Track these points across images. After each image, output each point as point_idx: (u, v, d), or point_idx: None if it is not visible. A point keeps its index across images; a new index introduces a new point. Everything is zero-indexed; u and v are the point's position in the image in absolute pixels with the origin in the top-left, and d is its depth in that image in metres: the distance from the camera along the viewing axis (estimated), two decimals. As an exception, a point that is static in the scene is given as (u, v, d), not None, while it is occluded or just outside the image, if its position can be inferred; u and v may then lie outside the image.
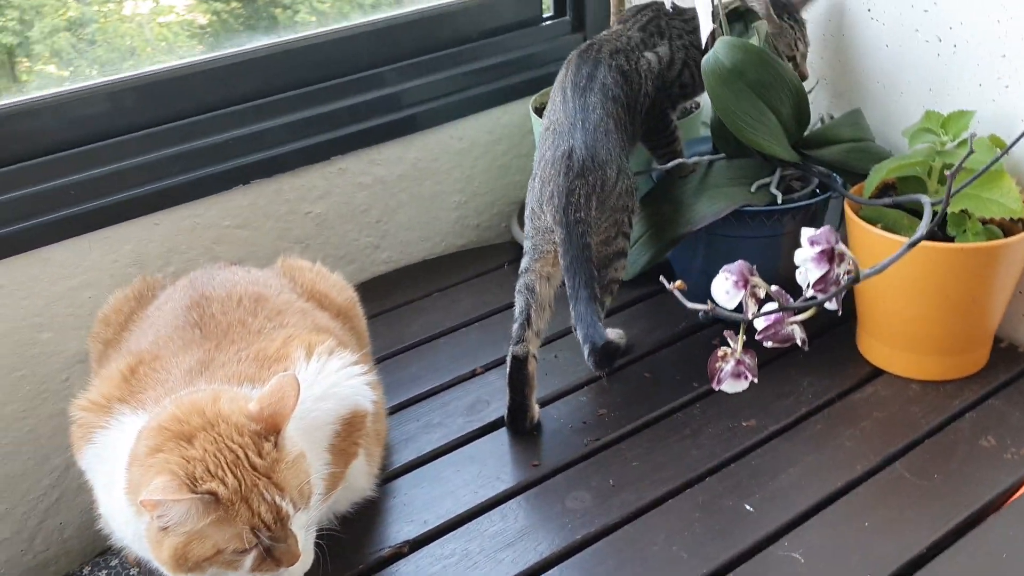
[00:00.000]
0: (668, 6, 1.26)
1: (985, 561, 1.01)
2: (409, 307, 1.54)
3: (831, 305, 0.93)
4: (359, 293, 1.63)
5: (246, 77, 1.45)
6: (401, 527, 1.10)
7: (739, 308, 0.90)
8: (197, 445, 0.82)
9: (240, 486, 0.81)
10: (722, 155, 1.32)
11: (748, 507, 1.09)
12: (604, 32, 1.34)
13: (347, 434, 1.01)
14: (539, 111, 1.49)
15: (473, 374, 1.36)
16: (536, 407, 1.24)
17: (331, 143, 1.51)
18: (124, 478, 0.88)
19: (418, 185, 1.65)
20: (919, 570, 1.00)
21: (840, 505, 1.09)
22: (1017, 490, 1.10)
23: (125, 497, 0.87)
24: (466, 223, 1.73)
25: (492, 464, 1.18)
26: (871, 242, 1.22)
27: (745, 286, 0.87)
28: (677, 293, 0.94)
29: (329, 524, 1.07)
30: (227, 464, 0.81)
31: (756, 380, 0.94)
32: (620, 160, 1.20)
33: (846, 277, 0.91)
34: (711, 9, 1.19)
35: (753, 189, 1.29)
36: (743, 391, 1.32)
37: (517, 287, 1.22)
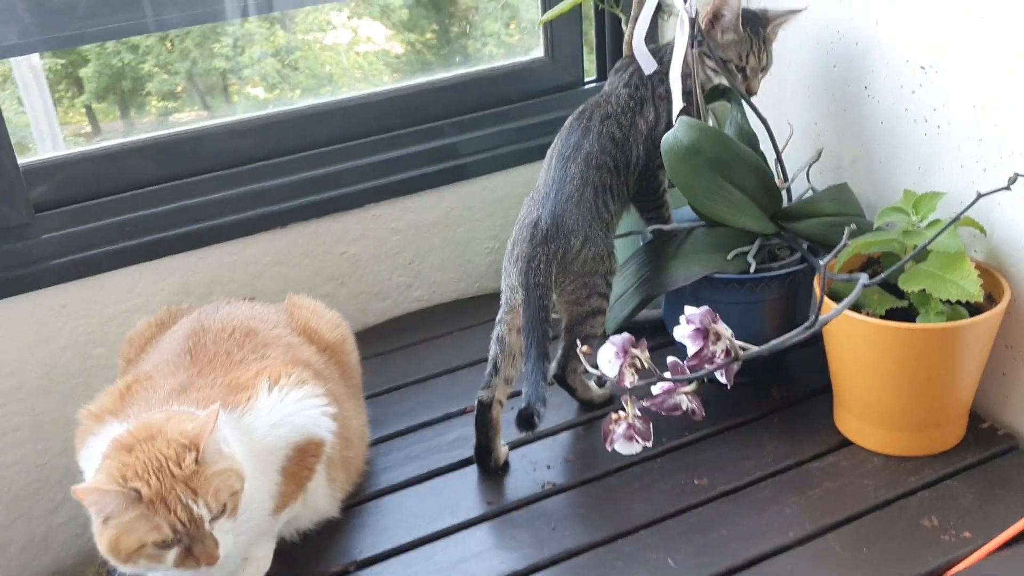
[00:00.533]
0: (647, 73, 1.33)
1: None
2: (428, 343, 1.67)
3: (721, 378, 0.99)
4: (392, 327, 1.77)
5: (292, 133, 1.61)
6: (354, 547, 1.21)
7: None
8: (133, 454, 0.97)
9: (161, 487, 0.96)
10: (703, 223, 1.37)
11: (671, 562, 1.14)
12: (598, 94, 1.41)
13: (299, 459, 1.14)
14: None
15: (463, 412, 1.47)
16: (503, 448, 1.33)
17: (367, 192, 1.66)
18: (96, 480, 1.04)
19: (452, 231, 1.77)
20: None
21: (760, 569, 1.12)
22: (943, 573, 1.10)
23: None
24: (500, 266, 1.84)
25: (451, 498, 1.28)
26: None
27: (625, 356, 0.95)
28: (581, 356, 1.02)
29: (291, 538, 1.21)
30: (152, 470, 0.96)
31: (649, 444, 1.01)
32: (588, 229, 1.27)
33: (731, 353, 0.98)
34: (682, 89, 1.26)
35: (729, 257, 1.34)
36: (710, 450, 1.38)
37: (492, 335, 1.33)
